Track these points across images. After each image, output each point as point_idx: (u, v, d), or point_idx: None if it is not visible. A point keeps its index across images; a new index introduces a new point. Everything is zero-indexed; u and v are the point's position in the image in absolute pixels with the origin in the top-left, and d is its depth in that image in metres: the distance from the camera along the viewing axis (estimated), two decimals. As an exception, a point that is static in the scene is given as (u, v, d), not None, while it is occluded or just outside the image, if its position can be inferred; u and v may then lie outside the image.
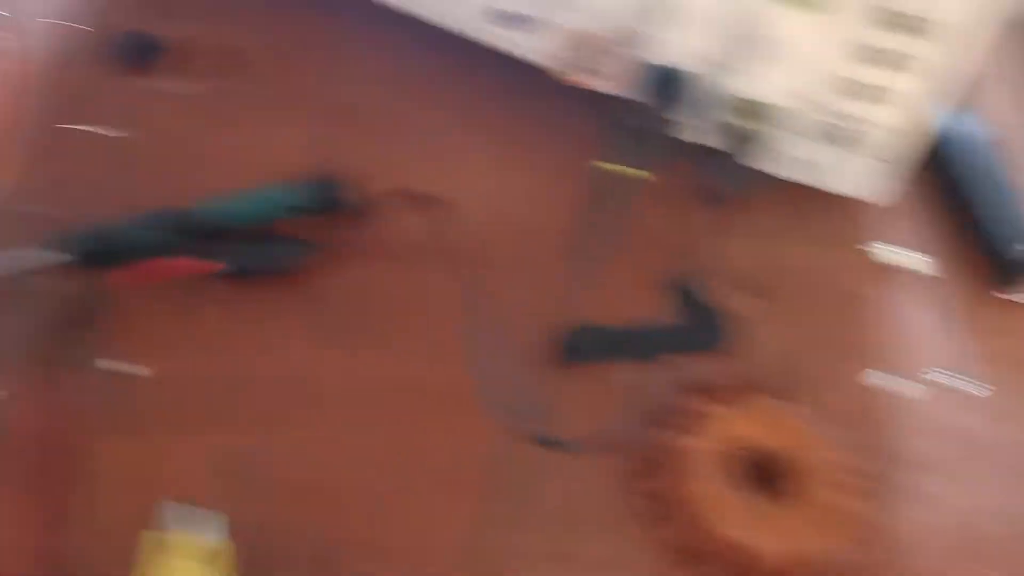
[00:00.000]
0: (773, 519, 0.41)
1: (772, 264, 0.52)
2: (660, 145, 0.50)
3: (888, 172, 0.52)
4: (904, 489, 0.45)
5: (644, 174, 0.48)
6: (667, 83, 0.51)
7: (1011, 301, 0.51)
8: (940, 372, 0.48)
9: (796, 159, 0.53)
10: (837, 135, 0.51)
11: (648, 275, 0.52)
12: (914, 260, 0.52)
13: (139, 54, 0.56)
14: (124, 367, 0.43)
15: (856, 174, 0.53)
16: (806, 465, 0.42)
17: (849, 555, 0.41)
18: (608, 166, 0.49)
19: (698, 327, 0.51)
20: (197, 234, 0.47)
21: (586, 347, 0.49)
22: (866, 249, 0.53)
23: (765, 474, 0.43)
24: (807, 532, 0.40)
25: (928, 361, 0.49)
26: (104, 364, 0.43)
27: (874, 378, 0.48)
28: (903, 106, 0.49)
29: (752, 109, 0.51)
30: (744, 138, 0.52)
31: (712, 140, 0.53)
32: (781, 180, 0.53)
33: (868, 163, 0.52)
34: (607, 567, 0.42)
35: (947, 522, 0.44)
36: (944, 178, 0.58)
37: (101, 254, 0.46)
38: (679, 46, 0.51)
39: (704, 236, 0.53)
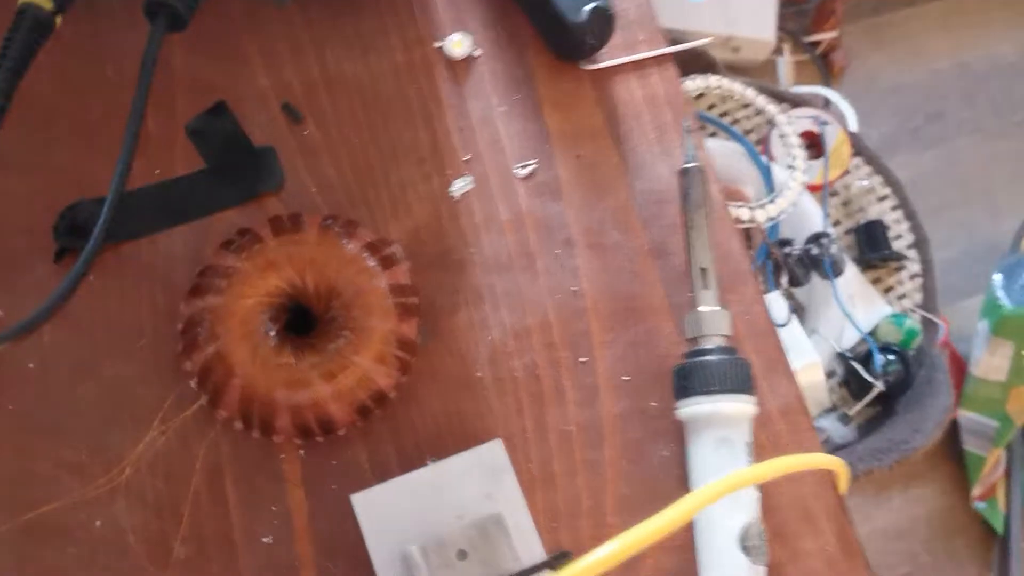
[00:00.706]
0: (321, 362, 0.39)
1: (323, 76, 0.46)
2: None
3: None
4: (476, 294, 0.42)
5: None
6: None
7: (585, 71, 0.46)
8: (520, 164, 0.44)
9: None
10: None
11: (162, 121, 0.44)
12: (471, 45, 0.46)
13: None
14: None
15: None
16: (357, 298, 0.39)
17: (398, 380, 0.40)
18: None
19: (236, 169, 0.43)
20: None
21: (91, 225, 0.39)
22: (432, 44, 0.46)
23: (314, 315, 0.40)
24: (357, 366, 0.39)
25: (507, 151, 0.45)
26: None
27: (450, 181, 0.44)
28: None
29: None
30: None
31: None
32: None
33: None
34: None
35: (526, 318, 0.42)
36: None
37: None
38: None
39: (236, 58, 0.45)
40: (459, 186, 0.44)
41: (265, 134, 0.44)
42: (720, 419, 0.38)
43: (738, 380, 0.38)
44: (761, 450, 0.40)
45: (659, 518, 0.32)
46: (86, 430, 0.39)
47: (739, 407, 0.38)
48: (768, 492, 0.39)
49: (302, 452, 0.39)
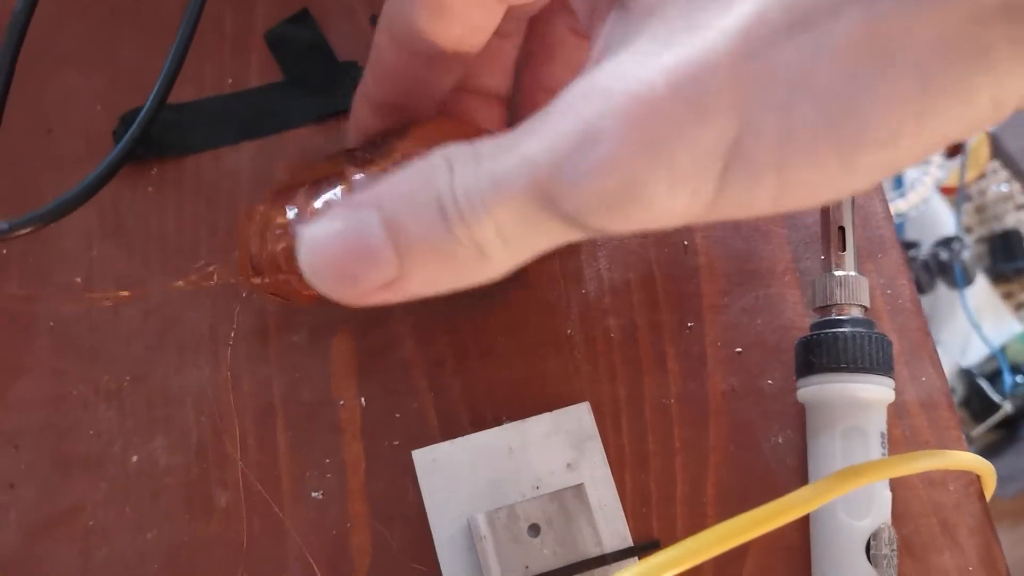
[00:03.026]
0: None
1: None
2: None
3: None
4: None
5: None
6: None
7: None
8: None
9: None
10: None
11: (240, 23, 0.39)
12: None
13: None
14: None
15: None
16: None
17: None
18: None
19: (316, 84, 0.38)
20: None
21: (154, 133, 0.35)
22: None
23: None
24: None
25: None
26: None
27: None
28: None
29: None
30: None
31: None
32: None
33: None
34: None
35: (627, 272, 0.36)
36: None
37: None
38: None
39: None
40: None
41: (350, 48, 0.39)
42: (852, 403, 0.32)
43: (877, 359, 0.32)
44: (895, 445, 0.34)
45: (772, 507, 0.26)
46: (129, 356, 0.35)
47: (877, 391, 0.32)
48: (899, 495, 0.33)
49: (363, 400, 0.35)
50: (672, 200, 0.18)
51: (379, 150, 0.31)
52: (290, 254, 0.29)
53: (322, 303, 0.26)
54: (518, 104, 0.33)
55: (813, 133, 0.17)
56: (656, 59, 0.17)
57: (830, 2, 0.16)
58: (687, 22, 0.17)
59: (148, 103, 0.31)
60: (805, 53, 0.16)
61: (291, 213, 0.29)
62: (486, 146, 0.20)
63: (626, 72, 0.17)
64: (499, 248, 0.20)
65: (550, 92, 0.27)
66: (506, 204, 0.19)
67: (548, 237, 0.20)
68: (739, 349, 0.35)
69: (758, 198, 0.18)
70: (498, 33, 0.28)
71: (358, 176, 0.28)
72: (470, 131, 0.31)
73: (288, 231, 0.29)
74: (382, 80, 0.30)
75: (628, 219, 0.18)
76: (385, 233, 0.20)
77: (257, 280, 0.31)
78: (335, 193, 0.28)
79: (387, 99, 0.30)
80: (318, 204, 0.29)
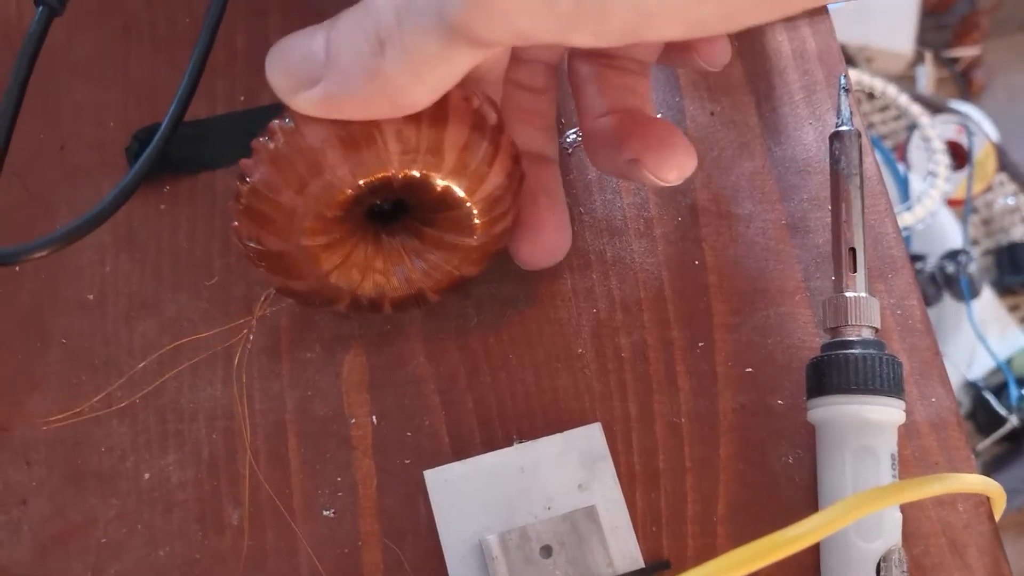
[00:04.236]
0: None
1: None
2: None
3: None
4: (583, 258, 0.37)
5: None
6: None
7: None
8: None
9: None
10: None
11: (252, 39, 0.40)
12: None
13: None
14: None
15: None
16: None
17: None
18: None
19: None
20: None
21: (177, 149, 0.35)
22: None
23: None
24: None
25: None
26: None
27: (562, 132, 0.36)
28: None
29: None
30: None
31: None
32: None
33: None
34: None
35: (638, 290, 0.36)
36: None
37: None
38: None
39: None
40: (572, 138, 0.39)
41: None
42: (863, 425, 0.32)
43: (888, 381, 0.32)
44: (904, 465, 0.34)
45: (785, 533, 0.26)
46: (141, 372, 0.36)
47: (888, 412, 0.32)
48: (909, 516, 0.33)
49: (374, 418, 0.35)
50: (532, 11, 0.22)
51: None
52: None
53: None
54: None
55: None
56: None
57: None
58: None
59: (163, 126, 0.31)
60: None
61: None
62: None
63: None
64: (407, 71, 0.24)
65: (613, 114, 0.32)
66: (413, 33, 0.24)
67: (446, 62, 0.24)
68: (749, 368, 0.36)
69: (609, 21, 0.22)
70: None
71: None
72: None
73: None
74: None
75: (502, 29, 0.23)
76: (325, 44, 0.26)
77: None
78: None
79: None
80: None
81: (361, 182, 0.28)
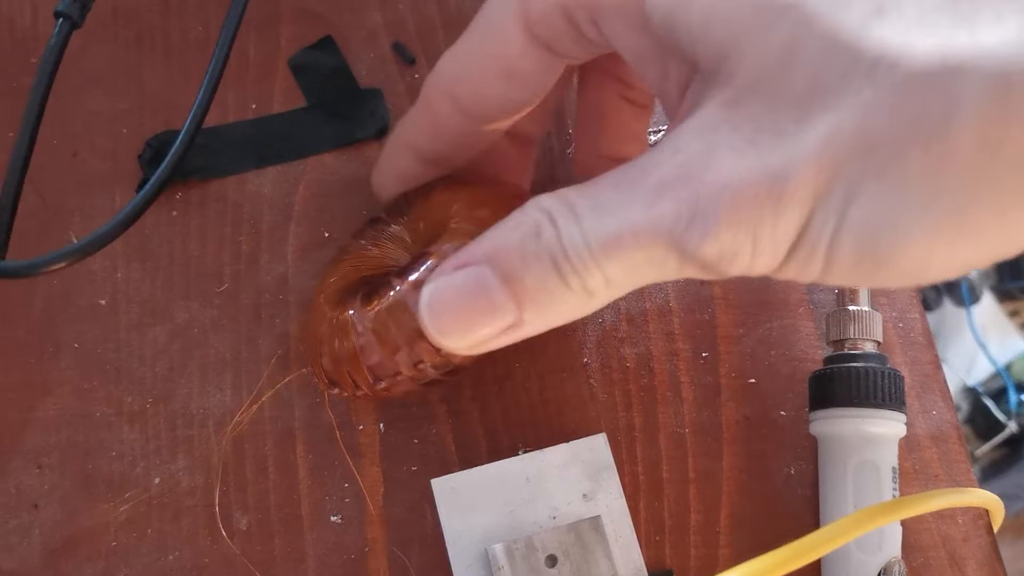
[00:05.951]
0: None
1: (441, 16, 0.40)
2: None
3: None
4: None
5: None
6: None
7: None
8: (652, 129, 0.40)
9: None
10: None
11: (263, 50, 0.40)
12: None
13: None
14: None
15: None
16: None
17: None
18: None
19: (338, 110, 0.38)
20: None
21: (194, 157, 0.36)
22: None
23: None
24: None
25: None
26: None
27: (569, 142, 0.36)
28: None
29: None
30: None
31: None
32: None
33: None
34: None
35: (643, 302, 0.36)
36: None
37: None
38: None
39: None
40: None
41: (372, 74, 0.40)
42: (864, 438, 0.33)
43: (890, 394, 0.33)
44: (904, 478, 0.35)
45: (789, 549, 0.27)
46: (152, 378, 0.36)
47: (889, 426, 0.33)
48: (909, 528, 0.34)
49: (381, 425, 0.35)
50: (753, 262, 0.22)
51: (412, 223, 0.32)
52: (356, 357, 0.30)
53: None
54: (576, 163, 0.35)
55: (852, 243, 0.21)
56: (745, 158, 0.21)
57: (898, 144, 0.19)
58: (771, 123, 0.21)
59: (181, 136, 0.31)
60: (865, 178, 0.20)
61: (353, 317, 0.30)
62: (579, 203, 0.23)
63: (723, 165, 0.21)
64: (604, 290, 0.23)
65: (609, 159, 0.33)
66: (618, 258, 0.23)
67: (651, 277, 0.24)
68: (753, 380, 0.36)
69: (810, 270, 0.22)
70: None
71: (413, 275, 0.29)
72: (507, 191, 0.32)
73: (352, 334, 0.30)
74: (436, 138, 0.31)
75: (724, 272, 0.23)
76: (503, 286, 0.24)
77: (337, 391, 0.32)
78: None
79: (439, 154, 0.32)
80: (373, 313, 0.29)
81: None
